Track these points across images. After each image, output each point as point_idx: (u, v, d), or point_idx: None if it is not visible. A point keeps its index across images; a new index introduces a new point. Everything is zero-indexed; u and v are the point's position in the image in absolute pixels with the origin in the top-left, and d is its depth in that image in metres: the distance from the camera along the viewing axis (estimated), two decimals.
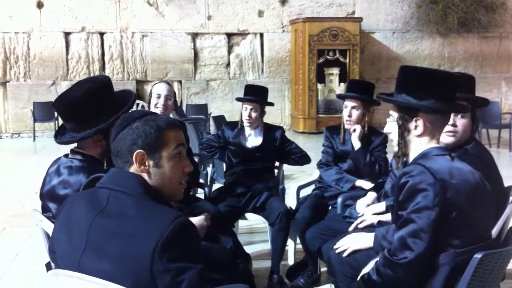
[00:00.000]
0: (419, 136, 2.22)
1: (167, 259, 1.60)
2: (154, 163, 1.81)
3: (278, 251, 3.76)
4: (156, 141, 1.80)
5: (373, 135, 3.94)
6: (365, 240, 2.61)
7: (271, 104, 4.29)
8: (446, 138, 2.74)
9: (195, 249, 1.69)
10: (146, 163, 1.80)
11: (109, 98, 2.53)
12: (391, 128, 2.31)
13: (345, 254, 2.68)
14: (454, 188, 2.06)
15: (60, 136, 2.57)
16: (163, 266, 1.60)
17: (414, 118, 2.21)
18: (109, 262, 1.66)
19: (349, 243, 2.69)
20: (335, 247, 2.75)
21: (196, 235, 1.73)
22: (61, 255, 1.81)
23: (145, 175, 1.81)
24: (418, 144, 2.23)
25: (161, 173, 1.82)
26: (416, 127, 2.22)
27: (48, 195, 2.52)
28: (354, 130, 3.85)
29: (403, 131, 2.25)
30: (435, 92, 2.20)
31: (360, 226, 3.01)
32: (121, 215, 1.71)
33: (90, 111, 2.44)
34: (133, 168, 1.80)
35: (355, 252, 2.64)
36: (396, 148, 2.30)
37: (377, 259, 2.25)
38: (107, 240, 1.68)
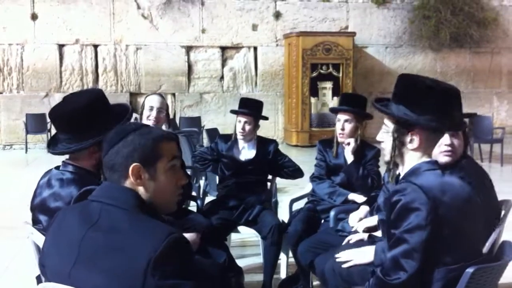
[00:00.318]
0: (414, 150, 2.19)
1: (159, 276, 1.58)
2: (150, 176, 1.78)
3: (270, 265, 3.74)
4: (152, 154, 1.78)
5: (366, 148, 3.95)
6: (366, 255, 2.63)
7: (266, 118, 4.30)
8: (443, 158, 2.75)
9: (189, 265, 1.66)
10: (142, 176, 1.78)
11: (106, 111, 2.53)
12: (383, 137, 2.30)
13: (346, 265, 2.69)
14: (446, 205, 2.04)
15: (53, 146, 2.55)
16: (155, 283, 1.58)
17: (410, 132, 2.18)
18: (100, 276, 1.63)
19: (352, 257, 2.70)
20: (337, 255, 2.74)
21: (189, 251, 1.71)
22: (51, 268, 1.79)
23: (140, 189, 1.78)
24: (411, 158, 2.21)
25: (156, 186, 1.80)
26: (411, 140, 2.18)
27: (39, 208, 2.50)
28: (348, 144, 3.86)
29: (398, 143, 2.22)
30: (434, 107, 2.15)
31: (351, 241, 3.00)
32: (113, 229, 1.69)
33: (88, 123, 2.44)
34: (129, 182, 1.77)
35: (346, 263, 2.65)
36: (387, 158, 2.28)
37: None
38: (98, 254, 1.66)
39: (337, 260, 2.72)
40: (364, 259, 2.64)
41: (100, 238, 1.68)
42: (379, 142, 2.34)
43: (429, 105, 2.15)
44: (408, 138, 2.19)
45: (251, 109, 4.13)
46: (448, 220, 2.03)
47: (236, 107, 4.21)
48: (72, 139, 2.47)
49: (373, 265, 2.45)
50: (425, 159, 2.20)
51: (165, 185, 1.81)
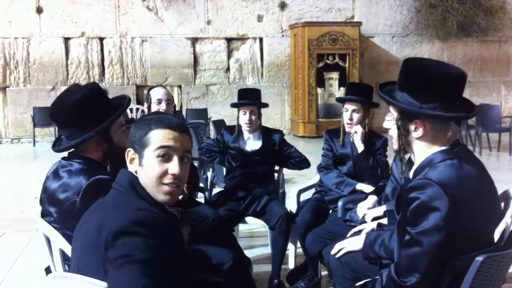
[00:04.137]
0: (419, 138, 2.14)
1: (115, 248, 1.62)
2: (139, 161, 1.85)
3: (278, 255, 3.74)
4: (141, 140, 1.84)
5: (373, 138, 3.94)
6: (359, 242, 2.62)
7: (266, 105, 4.28)
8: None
9: (145, 243, 1.63)
10: (134, 161, 1.87)
11: (104, 101, 2.54)
12: (389, 124, 2.27)
13: (338, 255, 2.69)
14: (464, 201, 1.98)
15: (57, 145, 2.58)
16: (112, 255, 1.62)
17: (414, 121, 2.12)
18: (78, 249, 1.79)
19: (343, 245, 2.71)
20: (332, 252, 2.75)
21: (154, 232, 1.67)
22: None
23: (135, 173, 1.87)
24: (420, 146, 2.15)
25: (143, 171, 1.84)
26: (416, 128, 2.13)
27: (48, 200, 2.51)
28: (356, 132, 3.85)
29: (403, 131, 2.16)
30: (439, 95, 2.07)
31: (362, 233, 3.00)
32: (100, 208, 1.80)
33: (86, 114, 2.44)
34: (130, 167, 1.89)
35: (354, 253, 2.64)
36: (395, 146, 2.23)
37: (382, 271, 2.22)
38: (82, 230, 1.79)
39: (332, 253, 2.72)
40: (356, 246, 2.64)
41: (92, 219, 1.78)
42: (387, 130, 2.31)
43: (433, 93, 2.08)
44: (412, 127, 2.14)
45: (252, 98, 4.11)
46: (465, 216, 1.99)
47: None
48: (74, 133, 2.48)
49: (374, 255, 2.45)
50: (437, 148, 2.13)
51: (150, 172, 1.83)
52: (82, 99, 2.45)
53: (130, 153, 1.88)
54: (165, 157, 1.83)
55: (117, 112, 2.50)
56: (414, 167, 2.20)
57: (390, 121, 2.25)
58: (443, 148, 2.13)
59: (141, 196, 1.81)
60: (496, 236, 2.20)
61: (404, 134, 2.17)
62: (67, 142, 2.51)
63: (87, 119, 2.44)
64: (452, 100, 2.11)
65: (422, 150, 2.16)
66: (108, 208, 1.78)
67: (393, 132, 2.23)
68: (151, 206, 1.79)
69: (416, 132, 2.14)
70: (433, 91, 2.08)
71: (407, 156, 2.28)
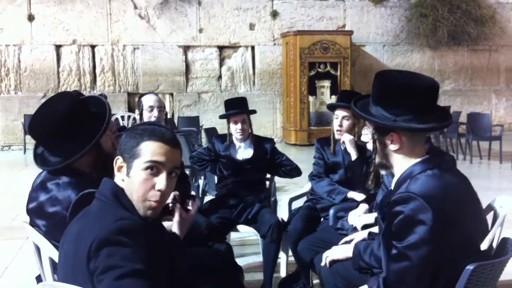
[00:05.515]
0: (396, 151, 2.12)
1: (97, 258, 1.61)
2: (127, 171, 1.82)
3: (270, 264, 3.74)
4: (132, 150, 1.82)
5: (365, 145, 3.94)
6: (345, 251, 2.63)
7: (255, 111, 4.26)
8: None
9: (132, 252, 1.62)
10: (122, 170, 1.83)
11: (87, 114, 2.46)
12: (367, 138, 2.28)
13: (323, 263, 2.70)
14: (449, 212, 1.98)
15: (42, 161, 2.46)
16: (94, 265, 1.61)
17: (390, 134, 2.11)
18: (62, 259, 1.78)
19: (328, 253, 2.71)
20: (322, 264, 2.75)
21: (138, 242, 1.65)
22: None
23: (121, 181, 1.84)
24: (398, 159, 2.14)
25: (129, 182, 1.82)
26: (392, 141, 2.11)
27: (35, 212, 2.44)
28: (344, 142, 3.86)
29: (379, 145, 2.15)
30: (412, 107, 2.06)
31: (353, 242, 3.00)
32: (83, 218, 1.79)
33: (77, 132, 2.37)
34: (117, 175, 1.85)
35: (345, 262, 2.65)
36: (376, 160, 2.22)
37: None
38: (66, 240, 1.78)
39: (321, 264, 2.73)
40: (341, 255, 2.65)
41: (75, 226, 1.79)
42: (365, 143, 2.32)
43: (406, 105, 2.06)
44: (389, 140, 2.12)
45: (240, 107, 4.10)
46: (452, 226, 1.98)
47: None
48: (62, 149, 2.39)
49: (365, 265, 2.46)
50: (415, 159, 2.11)
51: (136, 184, 1.81)
52: (67, 116, 2.37)
53: (118, 161, 1.84)
54: (154, 171, 1.80)
55: (106, 122, 2.46)
56: (394, 179, 2.19)
57: (367, 135, 2.26)
58: (422, 158, 2.12)
59: (124, 207, 1.78)
60: (485, 244, 2.20)
61: (381, 147, 2.16)
62: (57, 159, 2.42)
63: (77, 135, 2.37)
64: (426, 111, 2.09)
65: (400, 163, 2.14)
66: (91, 218, 1.76)
67: (370, 146, 2.23)
68: (134, 215, 1.77)
69: (393, 145, 2.12)
70: (405, 104, 2.07)
71: (384, 172, 2.28)
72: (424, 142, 2.18)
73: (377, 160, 2.21)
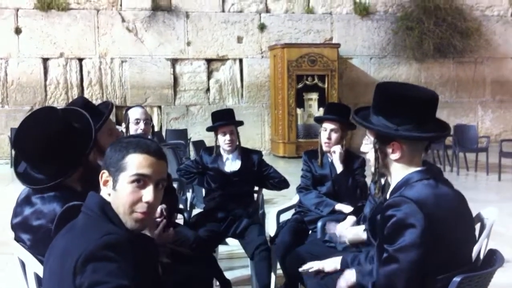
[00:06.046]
0: (397, 160, 2.17)
1: (83, 274, 1.59)
2: (113, 184, 1.81)
3: (265, 283, 3.67)
4: (118, 164, 1.80)
5: (352, 158, 3.96)
6: (333, 263, 2.63)
7: (242, 123, 4.26)
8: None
9: (118, 268, 1.61)
10: (108, 184, 1.82)
11: (74, 131, 2.43)
12: (367, 148, 2.30)
13: (301, 269, 2.71)
14: (440, 219, 2.01)
15: (29, 181, 2.43)
16: (80, 281, 1.59)
17: (391, 143, 2.15)
18: (47, 274, 1.76)
19: (313, 264, 2.71)
20: (304, 267, 2.74)
21: (124, 257, 1.64)
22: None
23: (107, 195, 1.82)
24: (397, 168, 2.18)
25: (116, 196, 1.81)
26: (393, 151, 2.16)
27: (20, 227, 2.41)
28: (334, 152, 3.86)
29: (380, 154, 2.19)
30: (414, 117, 2.12)
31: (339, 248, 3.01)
32: (69, 233, 1.77)
33: (62, 149, 2.34)
34: (103, 189, 1.84)
35: (334, 275, 2.64)
36: (372, 169, 2.25)
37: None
38: (52, 255, 1.76)
39: (310, 271, 2.73)
40: (332, 267, 2.64)
41: (60, 241, 1.77)
42: (365, 153, 2.34)
43: (408, 115, 2.13)
44: (390, 149, 2.17)
45: (228, 119, 4.10)
46: (443, 234, 2.00)
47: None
48: (55, 168, 2.36)
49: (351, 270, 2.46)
50: (413, 168, 2.16)
51: (123, 199, 1.79)
52: (55, 136, 2.34)
53: (104, 175, 1.83)
54: (140, 183, 1.79)
55: (92, 139, 2.45)
56: (391, 188, 2.22)
57: (367, 145, 2.28)
58: (420, 168, 2.17)
59: (111, 221, 1.77)
60: (474, 255, 2.21)
61: (381, 157, 2.20)
62: (42, 176, 2.38)
63: (65, 154, 2.34)
64: (427, 121, 2.16)
65: (399, 172, 2.19)
66: (77, 232, 1.74)
67: (371, 156, 2.26)
68: (121, 230, 1.76)
69: (394, 154, 2.17)
70: (407, 114, 2.13)
71: (383, 180, 2.31)
72: (424, 152, 2.23)
73: (373, 168, 2.24)
